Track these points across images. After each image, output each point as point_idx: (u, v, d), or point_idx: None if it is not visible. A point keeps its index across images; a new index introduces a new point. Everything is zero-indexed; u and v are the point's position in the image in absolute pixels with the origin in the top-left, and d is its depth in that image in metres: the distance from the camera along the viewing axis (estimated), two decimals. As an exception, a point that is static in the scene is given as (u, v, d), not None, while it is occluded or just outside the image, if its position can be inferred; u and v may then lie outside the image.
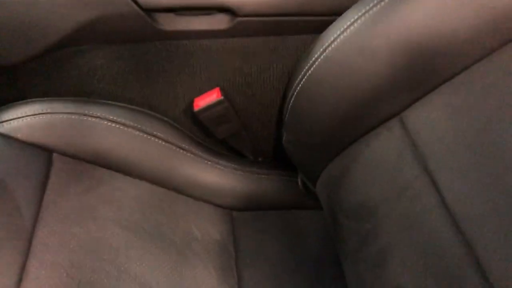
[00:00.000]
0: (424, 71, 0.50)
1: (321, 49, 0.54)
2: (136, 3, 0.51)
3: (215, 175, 0.63)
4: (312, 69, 0.55)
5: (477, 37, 0.47)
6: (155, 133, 0.59)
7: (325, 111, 0.56)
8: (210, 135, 0.64)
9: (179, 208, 0.59)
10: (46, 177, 0.52)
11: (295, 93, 0.57)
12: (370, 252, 0.51)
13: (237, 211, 0.64)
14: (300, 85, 0.56)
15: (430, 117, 0.50)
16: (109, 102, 0.59)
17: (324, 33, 0.55)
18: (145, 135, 0.59)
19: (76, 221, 0.49)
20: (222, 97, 0.58)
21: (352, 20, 0.51)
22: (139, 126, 0.58)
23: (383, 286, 0.48)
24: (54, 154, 0.54)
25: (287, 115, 0.61)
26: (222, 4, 0.54)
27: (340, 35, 0.52)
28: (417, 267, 0.45)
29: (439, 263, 0.43)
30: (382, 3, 0.49)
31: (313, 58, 0.54)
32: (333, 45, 0.52)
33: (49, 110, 0.55)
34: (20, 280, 0.44)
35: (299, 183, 0.67)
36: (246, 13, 0.55)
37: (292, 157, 0.65)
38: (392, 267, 0.48)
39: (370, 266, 0.51)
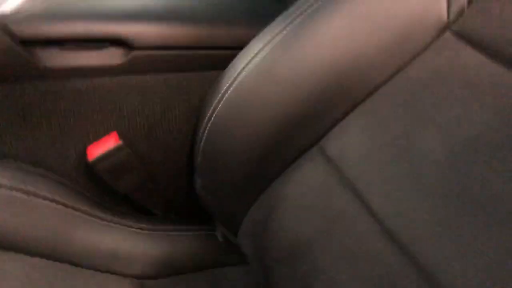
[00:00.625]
0: (340, 93, 0.48)
1: (230, 81, 0.50)
2: (10, 34, 0.43)
3: (119, 239, 0.53)
4: (221, 104, 0.50)
5: (386, 53, 0.47)
6: (41, 193, 0.48)
7: (240, 148, 0.51)
8: (110, 192, 0.54)
9: (77, 284, 0.47)
10: None
11: (206, 132, 0.52)
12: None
13: (149, 280, 0.53)
14: (209, 123, 0.51)
15: (350, 140, 0.47)
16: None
17: (231, 65, 0.52)
18: (28, 197, 0.47)
19: None
20: (120, 143, 0.50)
21: (259, 48, 0.48)
22: (20, 186, 0.47)
23: None
24: None
25: (199, 158, 0.54)
26: (114, 35, 0.48)
27: (248, 64, 0.49)
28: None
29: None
30: (288, 28, 0.48)
31: (221, 92, 0.50)
32: (241, 76, 0.49)
33: None
34: None
35: (219, 236, 0.60)
36: (143, 45, 0.49)
37: (209, 207, 0.58)
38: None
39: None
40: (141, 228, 0.55)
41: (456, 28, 0.46)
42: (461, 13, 0.46)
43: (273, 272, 0.49)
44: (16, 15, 0.44)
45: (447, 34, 0.47)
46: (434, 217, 0.38)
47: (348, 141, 0.47)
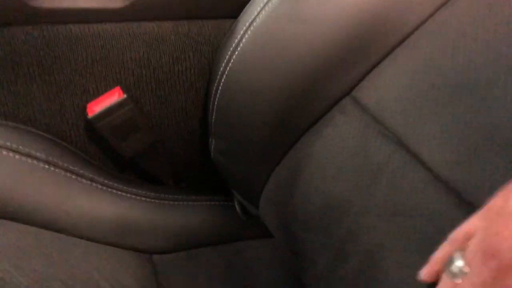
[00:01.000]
0: (375, 33, 0.41)
1: (245, 28, 0.43)
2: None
3: (123, 208, 0.47)
4: (236, 53, 0.44)
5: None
6: (35, 154, 0.42)
7: (260, 102, 0.44)
8: (114, 155, 0.48)
9: (75, 255, 0.41)
10: None
11: (220, 86, 0.46)
12: (351, 262, 0.38)
13: (159, 254, 0.47)
14: (224, 76, 0.45)
15: (390, 86, 0.40)
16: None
17: (245, 9, 0.45)
18: (22, 158, 0.42)
19: None
20: (124, 96, 0.44)
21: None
22: (14, 147, 0.41)
23: None
24: None
25: (213, 117, 0.48)
26: (115, -29, 0.42)
27: (265, 5, 0.43)
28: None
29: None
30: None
31: (236, 40, 0.44)
32: (258, 18, 0.43)
33: None
34: None
35: (237, 208, 0.53)
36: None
37: (225, 174, 0.51)
38: (385, 269, 0.35)
39: (355, 275, 0.37)
40: (149, 197, 0.49)
41: None
42: None
43: (302, 242, 0.43)
44: None
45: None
46: (491, 165, 0.31)
47: (387, 87, 0.40)
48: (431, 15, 0.41)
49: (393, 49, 0.41)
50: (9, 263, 0.35)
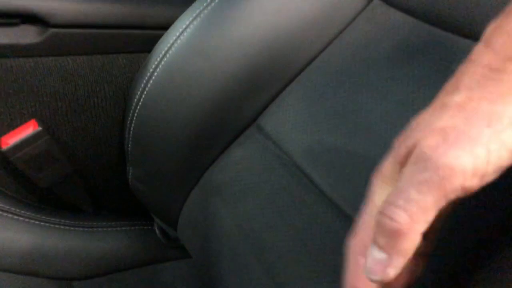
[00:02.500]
0: (273, 68, 0.46)
1: (157, 60, 0.47)
2: None
3: (38, 237, 0.47)
4: (149, 85, 0.47)
5: (317, 26, 0.46)
6: None
7: (172, 132, 0.48)
8: (30, 185, 0.49)
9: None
10: None
11: (135, 117, 0.48)
12: (255, 279, 0.42)
13: (78, 281, 0.48)
14: (138, 106, 0.48)
15: (287, 114, 0.45)
16: None
17: (157, 44, 0.49)
18: None
19: None
20: (40, 128, 0.46)
21: (185, 25, 0.46)
22: None
23: None
24: None
25: (129, 146, 0.51)
26: (26, 10, 0.44)
27: (175, 41, 0.46)
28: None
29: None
30: (214, 2, 0.46)
31: (149, 72, 0.47)
32: (169, 54, 0.46)
33: None
34: None
35: (157, 231, 0.55)
36: (61, 22, 0.45)
37: (144, 200, 0.54)
38: (284, 280, 0.39)
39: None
40: (66, 225, 0.50)
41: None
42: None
43: (216, 267, 0.46)
44: None
45: (375, 1, 0.47)
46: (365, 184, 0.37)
47: (285, 115, 0.46)
48: (320, 52, 0.47)
49: (290, 81, 0.47)
50: None
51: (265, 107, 0.47)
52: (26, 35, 0.45)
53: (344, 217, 0.36)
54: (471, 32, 0.38)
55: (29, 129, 0.46)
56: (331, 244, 0.37)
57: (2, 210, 0.46)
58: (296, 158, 0.42)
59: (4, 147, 0.45)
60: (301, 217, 0.39)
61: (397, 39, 0.41)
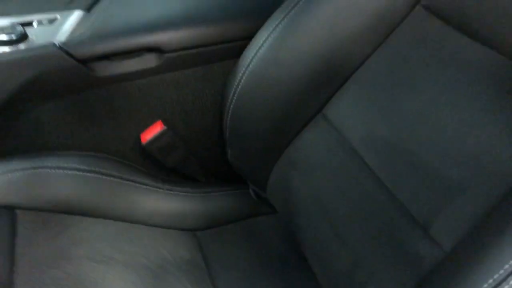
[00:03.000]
0: (332, 68, 0.59)
1: (243, 70, 0.61)
2: (72, 56, 0.56)
3: (173, 202, 0.67)
4: (239, 88, 0.62)
5: (366, 32, 0.57)
6: (108, 172, 0.63)
7: (258, 122, 0.63)
8: (161, 166, 0.69)
9: (147, 237, 0.62)
10: (13, 232, 0.54)
11: (230, 112, 0.64)
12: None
13: (200, 231, 0.68)
14: (232, 104, 0.63)
15: (345, 106, 0.59)
16: (61, 152, 0.63)
17: (243, 55, 0.63)
18: (99, 177, 0.62)
19: (51, 265, 0.52)
20: (165, 127, 0.64)
21: (263, 39, 0.59)
22: (92, 169, 0.62)
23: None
24: (17, 210, 0.56)
25: (227, 133, 0.67)
26: (149, 44, 0.60)
27: (256, 53, 0.60)
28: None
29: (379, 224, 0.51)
30: (285, 20, 0.58)
31: (238, 79, 0.62)
32: (252, 64, 0.60)
33: (5, 170, 0.57)
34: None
35: (251, 193, 0.73)
36: (172, 49, 0.62)
37: (240, 171, 0.71)
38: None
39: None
40: (189, 192, 0.70)
41: (425, 2, 0.55)
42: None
43: (295, 220, 0.62)
44: (73, 40, 0.57)
45: (418, 8, 0.56)
46: (411, 159, 0.49)
47: (344, 106, 0.59)
48: (368, 56, 0.58)
49: (346, 80, 0.59)
50: (110, 248, 0.56)
51: (328, 99, 0.60)
52: (149, 61, 0.62)
53: (387, 192, 0.50)
54: (493, 41, 0.47)
55: (157, 127, 0.64)
56: (377, 211, 0.51)
57: (146, 184, 0.66)
58: (354, 143, 0.56)
59: (144, 142, 0.64)
60: (355, 189, 0.53)
61: (435, 48, 0.51)
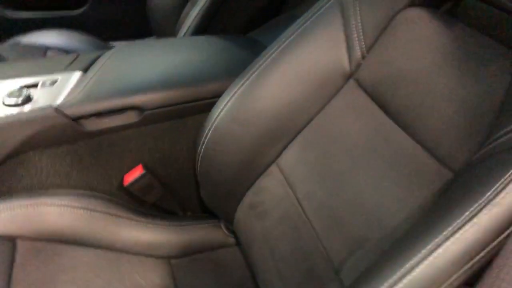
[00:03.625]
0: (284, 127, 0.69)
1: (210, 124, 0.73)
2: (66, 116, 0.69)
3: (152, 233, 0.79)
4: (206, 140, 0.73)
5: (310, 98, 0.68)
6: (96, 208, 0.75)
7: (222, 169, 0.74)
8: (143, 202, 0.81)
9: (125, 264, 0.74)
10: (12, 259, 0.66)
11: (199, 160, 0.76)
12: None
13: (174, 259, 0.79)
14: (201, 153, 0.75)
15: (293, 158, 0.69)
16: (57, 191, 0.75)
17: (211, 112, 0.74)
18: (88, 212, 0.75)
19: (40, 288, 0.64)
20: (144, 171, 0.76)
21: (226, 100, 0.71)
22: (82, 205, 0.74)
23: None
24: (17, 240, 0.69)
25: (199, 177, 0.78)
26: (131, 104, 0.73)
27: (220, 111, 0.71)
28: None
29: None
30: (246, 84, 0.70)
31: (206, 132, 0.73)
32: (217, 120, 0.72)
33: (9, 206, 0.70)
34: None
35: (222, 227, 0.84)
36: (150, 107, 0.74)
37: (212, 207, 0.82)
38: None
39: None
40: (167, 225, 0.81)
41: (356, 76, 0.65)
42: (359, 65, 0.65)
43: (251, 255, 0.73)
44: (68, 102, 0.70)
45: (351, 82, 0.66)
46: (334, 214, 0.59)
47: (293, 159, 0.69)
48: (313, 117, 0.68)
49: (296, 134, 0.69)
50: (92, 275, 0.68)
51: (282, 151, 0.71)
52: (131, 117, 0.74)
53: (318, 240, 0.60)
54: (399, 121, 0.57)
55: (137, 171, 0.76)
56: (308, 256, 0.61)
57: (128, 218, 0.78)
58: (298, 195, 0.66)
59: (126, 184, 0.76)
60: (295, 235, 0.63)
61: (358, 117, 0.61)
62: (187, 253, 0.81)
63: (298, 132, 0.70)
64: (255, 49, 0.89)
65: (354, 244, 0.55)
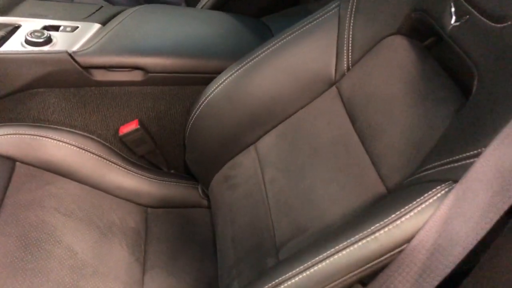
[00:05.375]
0: (268, 114, 0.77)
1: (204, 97, 0.80)
2: (77, 62, 0.77)
3: (135, 181, 0.88)
4: (198, 110, 0.81)
5: (296, 94, 0.74)
6: (90, 149, 0.84)
7: (208, 139, 0.82)
8: (133, 153, 0.89)
9: (106, 203, 0.83)
10: (9, 179, 0.76)
11: (189, 126, 0.83)
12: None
13: (151, 208, 0.89)
14: (191, 121, 0.82)
15: (270, 145, 0.76)
16: (59, 127, 0.84)
17: (207, 86, 0.81)
18: (83, 151, 0.83)
19: (28, 209, 0.74)
20: (138, 126, 0.84)
21: (223, 79, 0.78)
22: (79, 144, 0.83)
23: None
24: (17, 163, 0.79)
25: (186, 140, 0.86)
26: (138, 64, 0.80)
27: (216, 88, 0.79)
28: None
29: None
30: (241, 69, 0.76)
31: (199, 102, 0.80)
32: (211, 95, 0.79)
33: (16, 132, 0.79)
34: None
35: (199, 189, 0.93)
36: (155, 70, 0.81)
37: (193, 170, 0.90)
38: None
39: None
40: (150, 177, 0.90)
41: (339, 85, 0.71)
42: (343, 75, 0.71)
43: (216, 219, 0.81)
44: (81, 51, 0.77)
45: (333, 89, 0.72)
46: (287, 203, 0.67)
47: (268, 146, 0.77)
48: (297, 111, 0.75)
49: (278, 124, 0.76)
50: (75, 205, 0.78)
51: (262, 136, 0.78)
52: (136, 76, 0.81)
53: (269, 220, 0.68)
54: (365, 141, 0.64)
55: (133, 125, 0.84)
56: (259, 231, 0.69)
57: (116, 164, 0.86)
58: (265, 177, 0.74)
59: (120, 133, 0.84)
60: (253, 211, 0.72)
61: (331, 122, 0.68)
62: (163, 205, 0.90)
63: (279, 122, 0.77)
64: (263, 35, 0.95)
65: (296, 230, 0.64)
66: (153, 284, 0.78)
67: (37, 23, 0.82)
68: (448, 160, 0.46)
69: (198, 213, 0.91)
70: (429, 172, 0.49)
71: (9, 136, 0.80)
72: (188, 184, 0.93)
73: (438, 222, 0.42)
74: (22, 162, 0.79)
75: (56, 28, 0.82)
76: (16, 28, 0.81)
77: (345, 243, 0.46)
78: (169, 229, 0.87)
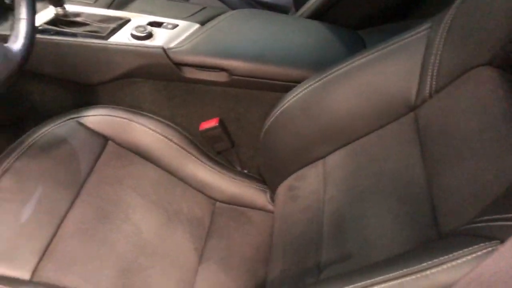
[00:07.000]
0: (341, 132, 0.75)
1: (281, 105, 0.81)
2: (170, 58, 0.83)
3: (209, 175, 0.93)
4: (274, 117, 0.82)
5: (372, 115, 0.72)
6: (173, 139, 0.91)
7: (279, 146, 0.83)
8: (211, 148, 0.94)
9: (178, 190, 0.89)
10: (100, 153, 0.85)
11: (264, 132, 0.85)
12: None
13: (219, 202, 0.93)
14: (267, 126, 0.84)
15: (337, 162, 0.75)
16: (149, 115, 0.92)
17: (284, 96, 0.82)
18: (167, 140, 0.90)
19: (109, 184, 0.82)
20: (217, 124, 0.88)
21: (300, 90, 0.78)
22: (164, 133, 0.90)
23: None
24: (109, 141, 0.88)
25: (260, 145, 0.88)
26: (223, 66, 0.84)
27: (292, 98, 0.79)
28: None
29: None
30: (319, 82, 0.76)
31: (276, 110, 0.82)
32: (286, 104, 0.80)
33: (111, 114, 0.89)
34: (67, 211, 0.77)
35: (267, 193, 0.94)
36: (238, 73, 0.84)
37: (263, 173, 0.92)
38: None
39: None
40: (223, 173, 0.94)
41: (417, 111, 0.67)
42: (424, 101, 0.66)
43: (275, 224, 0.82)
44: (174, 49, 0.84)
45: (411, 114, 0.68)
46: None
47: (336, 161, 0.75)
48: (370, 132, 0.72)
49: (348, 143, 0.75)
50: (150, 188, 0.85)
51: (331, 152, 0.77)
52: (221, 77, 0.85)
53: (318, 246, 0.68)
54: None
55: (213, 122, 0.89)
56: (306, 249, 0.69)
57: (195, 156, 0.92)
58: (326, 197, 0.73)
59: (201, 129, 0.89)
60: (307, 228, 0.71)
61: (401, 152, 0.64)
62: (231, 202, 0.94)
63: (350, 141, 0.75)
64: (355, 48, 0.93)
65: (342, 254, 0.62)
66: (206, 275, 0.82)
67: (144, 19, 0.90)
68: (502, 216, 0.41)
69: (261, 216, 0.93)
70: (482, 224, 0.44)
71: (106, 116, 0.89)
72: (258, 186, 0.95)
73: (473, 284, 0.38)
74: (113, 141, 0.89)
75: (159, 24, 0.90)
76: (126, 21, 0.91)
77: (377, 278, 0.44)
78: (231, 226, 0.90)
